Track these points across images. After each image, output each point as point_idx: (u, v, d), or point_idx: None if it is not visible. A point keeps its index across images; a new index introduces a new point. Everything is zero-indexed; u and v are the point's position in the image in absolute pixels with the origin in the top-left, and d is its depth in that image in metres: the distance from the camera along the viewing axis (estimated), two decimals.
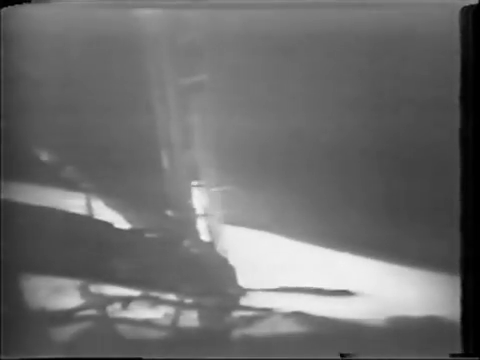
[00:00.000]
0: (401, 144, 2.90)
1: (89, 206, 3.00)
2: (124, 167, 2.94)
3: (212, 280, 2.97)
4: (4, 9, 2.85)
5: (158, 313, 2.97)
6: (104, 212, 3.00)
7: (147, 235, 3.00)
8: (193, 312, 2.97)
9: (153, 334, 2.96)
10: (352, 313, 2.91)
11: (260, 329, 2.94)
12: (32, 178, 2.95)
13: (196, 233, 3.01)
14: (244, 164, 2.94)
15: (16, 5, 2.85)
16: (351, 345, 2.87)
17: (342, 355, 2.82)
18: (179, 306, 2.98)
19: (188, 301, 2.98)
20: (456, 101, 2.78)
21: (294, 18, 2.90)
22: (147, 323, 2.96)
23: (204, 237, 3.01)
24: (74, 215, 2.98)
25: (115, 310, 2.98)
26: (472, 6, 2.75)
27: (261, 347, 2.91)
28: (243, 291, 2.96)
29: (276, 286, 2.94)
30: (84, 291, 2.97)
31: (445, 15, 2.82)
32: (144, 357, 2.81)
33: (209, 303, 2.97)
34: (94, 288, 2.98)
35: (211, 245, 3.01)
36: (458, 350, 2.73)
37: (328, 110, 2.92)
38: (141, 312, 2.97)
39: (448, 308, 2.83)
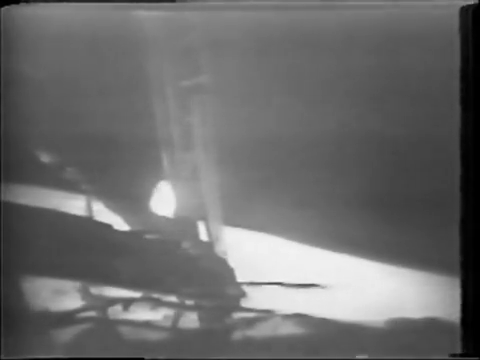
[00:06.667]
0: (401, 144, 2.90)
1: (89, 208, 3.01)
2: (124, 169, 2.95)
3: (212, 281, 2.97)
4: (4, 8, 2.84)
5: (158, 315, 2.98)
6: (104, 214, 3.01)
7: (147, 237, 3.00)
8: (193, 313, 2.97)
9: (154, 335, 2.96)
10: (352, 314, 2.91)
11: (260, 330, 2.94)
12: (32, 180, 2.96)
13: (196, 234, 3.01)
14: (244, 165, 2.93)
15: (15, 4, 2.84)
16: (351, 346, 2.87)
17: None
18: (179, 307, 2.98)
19: (188, 302, 2.98)
20: (456, 100, 2.76)
21: (293, 19, 2.90)
22: (148, 325, 2.97)
23: (204, 238, 3.01)
24: (74, 217, 2.99)
25: (116, 312, 2.98)
26: (471, 5, 2.74)
27: (261, 348, 2.91)
28: (243, 292, 2.96)
29: (276, 287, 2.94)
30: (85, 293, 2.97)
31: (445, 15, 2.81)
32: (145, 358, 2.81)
33: (209, 304, 2.96)
34: (95, 290, 2.98)
35: (211, 246, 3.01)
36: (458, 351, 2.72)
37: (328, 110, 2.92)
38: (142, 314, 2.98)
39: (448, 309, 2.82)
